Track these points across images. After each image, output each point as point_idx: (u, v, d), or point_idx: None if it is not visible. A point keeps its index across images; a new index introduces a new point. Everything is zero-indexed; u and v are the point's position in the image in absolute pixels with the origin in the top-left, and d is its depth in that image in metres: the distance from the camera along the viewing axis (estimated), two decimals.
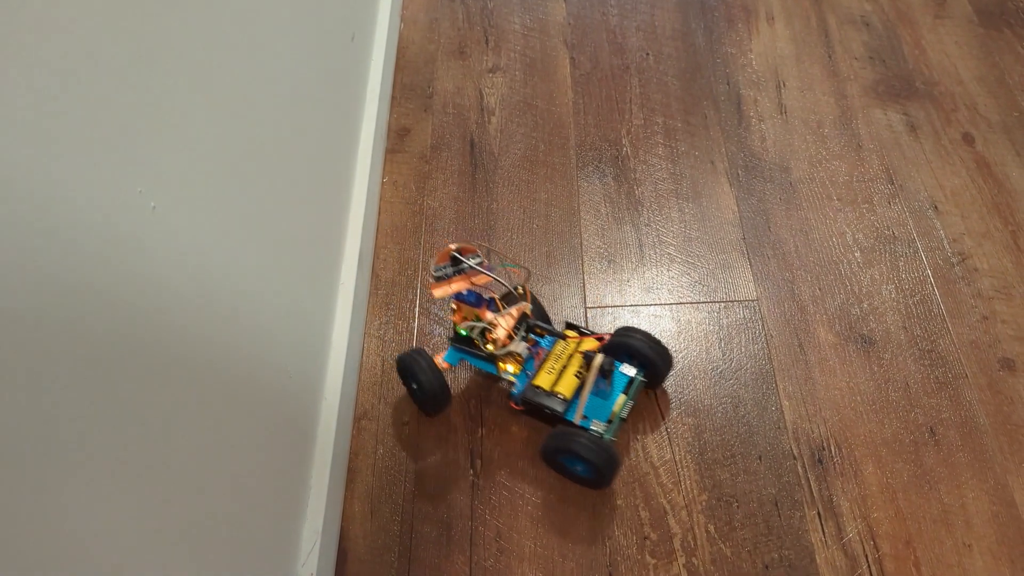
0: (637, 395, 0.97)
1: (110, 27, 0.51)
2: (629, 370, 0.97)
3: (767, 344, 1.08)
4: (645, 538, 0.93)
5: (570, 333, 1.01)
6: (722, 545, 0.92)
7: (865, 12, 1.48)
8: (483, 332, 0.95)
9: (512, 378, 0.98)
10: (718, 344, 1.08)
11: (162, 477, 0.58)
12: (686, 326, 1.10)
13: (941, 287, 1.12)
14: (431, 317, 1.11)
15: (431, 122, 1.34)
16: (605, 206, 1.23)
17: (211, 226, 0.67)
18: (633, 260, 1.17)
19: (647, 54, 1.43)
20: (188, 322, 0.62)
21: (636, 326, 1.00)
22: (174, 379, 0.60)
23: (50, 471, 0.45)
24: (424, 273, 1.16)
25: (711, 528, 0.93)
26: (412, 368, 0.96)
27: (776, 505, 0.95)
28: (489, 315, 0.94)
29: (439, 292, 0.91)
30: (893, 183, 1.23)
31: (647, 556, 0.92)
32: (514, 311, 0.95)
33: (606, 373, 0.94)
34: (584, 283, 1.14)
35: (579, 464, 0.91)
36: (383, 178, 1.26)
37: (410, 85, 1.40)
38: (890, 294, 1.11)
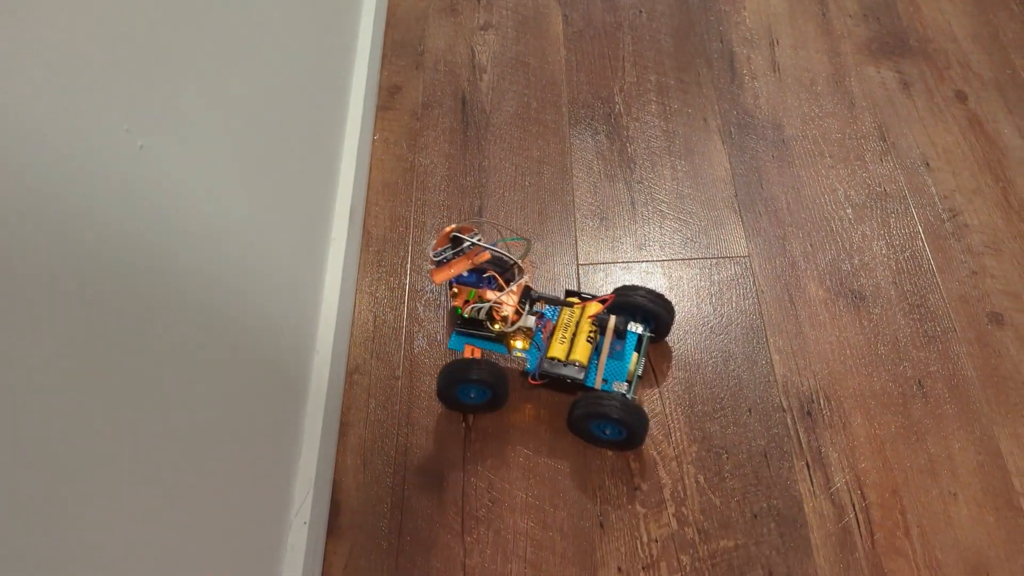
0: (647, 351, 0.97)
1: None
2: (636, 327, 0.97)
3: (758, 299, 1.08)
4: (635, 488, 0.94)
5: (573, 300, 1.00)
6: (712, 495, 0.93)
7: None
8: (489, 312, 0.93)
9: (522, 354, 0.96)
10: (709, 300, 1.08)
11: (154, 430, 0.58)
12: (678, 282, 1.10)
13: (931, 243, 1.12)
14: (423, 275, 1.11)
15: (422, 79, 1.33)
16: (597, 163, 1.22)
17: (201, 171, 0.67)
18: (625, 217, 1.17)
19: (640, 11, 1.42)
20: (176, 268, 0.62)
21: (633, 283, 1.00)
22: (160, 326, 0.60)
23: (44, 416, 0.45)
24: (416, 230, 1.16)
25: (701, 479, 0.94)
26: (467, 376, 0.92)
27: (765, 456, 0.96)
28: (491, 294, 0.92)
29: (440, 277, 0.87)
30: (885, 140, 1.23)
31: (637, 506, 0.93)
32: (516, 286, 0.93)
33: (621, 333, 0.94)
34: (576, 240, 1.14)
35: (608, 427, 0.92)
36: (374, 135, 1.26)
37: (401, 42, 1.39)
38: (881, 250, 1.12)
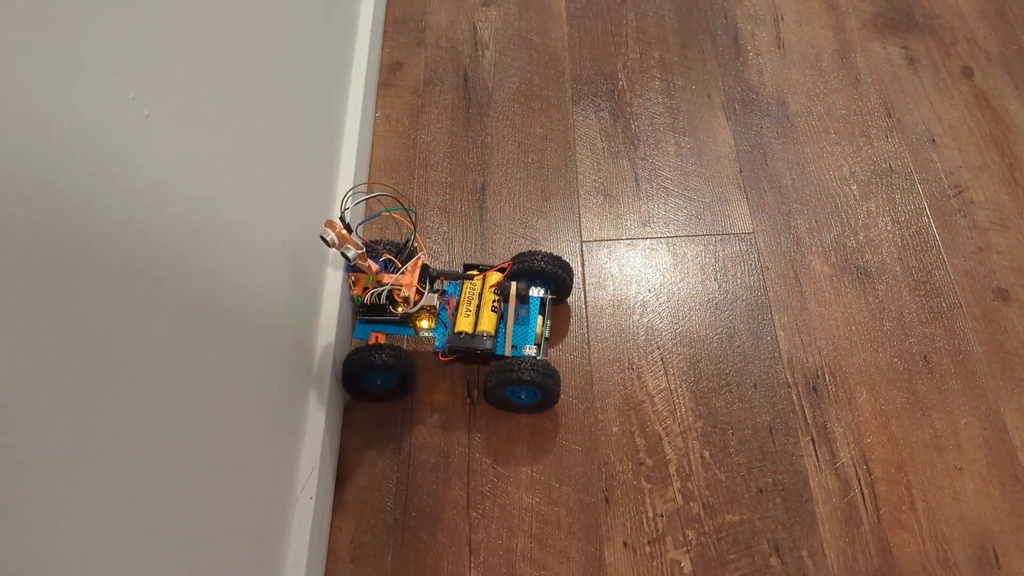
0: (549, 313, 0.98)
1: None
2: (538, 291, 0.98)
3: (763, 276, 1.08)
4: (641, 463, 0.94)
5: (473, 272, 0.99)
6: (717, 470, 0.93)
7: None
8: (390, 295, 0.91)
9: (429, 333, 0.95)
10: (714, 276, 1.08)
11: (160, 405, 0.58)
12: (682, 259, 1.10)
13: (937, 219, 1.12)
14: (430, 253, 1.11)
15: (424, 56, 1.32)
16: (601, 140, 1.21)
17: (206, 144, 0.66)
18: (629, 194, 1.16)
19: None
20: (180, 238, 0.61)
21: (530, 250, 1.00)
22: (162, 296, 0.59)
23: (44, 391, 0.44)
24: (419, 207, 1.15)
25: (706, 454, 0.94)
26: (369, 363, 0.93)
27: (770, 432, 0.96)
28: (388, 277, 0.90)
29: (356, 289, 0.90)
30: (891, 117, 1.22)
31: (643, 481, 0.93)
32: (411, 265, 0.91)
33: (524, 298, 0.95)
34: (580, 217, 1.14)
35: (523, 391, 0.92)
36: (376, 112, 1.25)
37: (402, 19, 1.37)
38: (886, 226, 1.11)
